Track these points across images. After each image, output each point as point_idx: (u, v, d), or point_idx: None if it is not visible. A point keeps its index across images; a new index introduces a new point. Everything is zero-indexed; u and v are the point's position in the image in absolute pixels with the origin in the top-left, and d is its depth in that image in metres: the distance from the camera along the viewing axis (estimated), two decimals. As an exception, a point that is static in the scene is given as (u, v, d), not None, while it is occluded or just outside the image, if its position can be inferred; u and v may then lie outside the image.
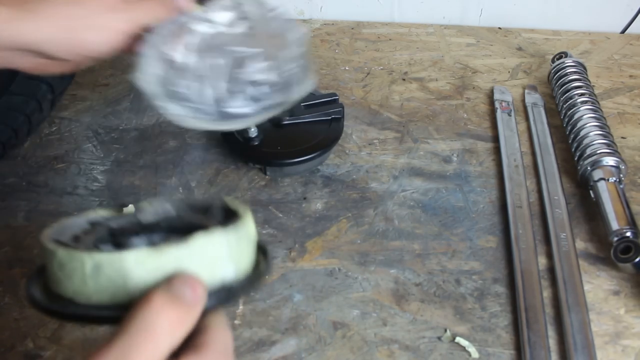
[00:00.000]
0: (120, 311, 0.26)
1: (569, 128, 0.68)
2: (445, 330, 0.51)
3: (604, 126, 0.66)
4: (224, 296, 0.29)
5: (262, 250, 0.33)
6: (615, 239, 0.55)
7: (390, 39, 0.88)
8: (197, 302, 0.27)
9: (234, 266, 0.30)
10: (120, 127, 0.72)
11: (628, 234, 0.54)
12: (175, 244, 0.28)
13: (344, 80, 0.80)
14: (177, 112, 0.43)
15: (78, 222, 0.35)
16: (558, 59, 0.76)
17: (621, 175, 0.61)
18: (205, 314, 0.28)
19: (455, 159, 0.68)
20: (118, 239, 0.33)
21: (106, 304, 0.28)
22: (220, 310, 0.30)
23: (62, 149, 0.69)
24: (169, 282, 0.27)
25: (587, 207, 0.62)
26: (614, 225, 0.55)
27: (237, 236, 0.30)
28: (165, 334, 0.25)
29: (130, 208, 0.35)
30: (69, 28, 0.41)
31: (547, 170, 0.65)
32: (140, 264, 0.27)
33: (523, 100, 0.76)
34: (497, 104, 0.74)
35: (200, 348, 0.27)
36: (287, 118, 0.65)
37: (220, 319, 0.30)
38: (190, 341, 0.28)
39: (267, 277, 0.32)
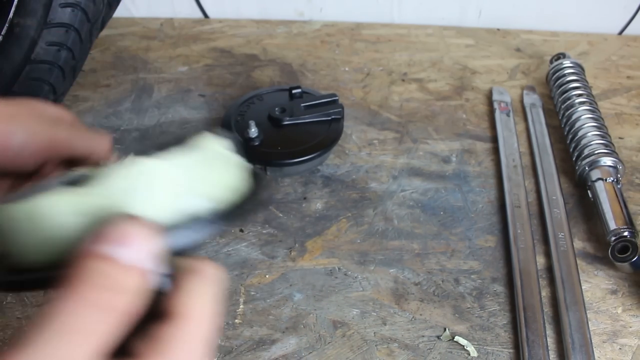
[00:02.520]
0: (53, 271, 0.20)
1: (567, 128, 0.68)
2: (445, 329, 0.51)
3: (601, 127, 0.66)
4: (197, 231, 0.23)
5: (252, 175, 0.28)
6: (613, 238, 0.55)
7: (389, 40, 0.89)
8: (142, 259, 0.20)
9: (201, 194, 0.24)
10: (122, 128, 0.72)
11: (625, 233, 0.55)
12: (115, 176, 0.22)
13: (343, 81, 0.80)
14: None
15: (50, 184, 0.26)
16: (556, 60, 0.77)
17: (619, 175, 0.61)
18: (180, 257, 0.22)
19: (454, 159, 0.68)
20: None
21: (40, 264, 0.22)
22: (197, 251, 0.24)
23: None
24: (94, 238, 0.19)
25: (585, 207, 0.62)
26: (612, 224, 0.56)
27: (196, 160, 0.25)
28: (88, 333, 0.18)
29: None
30: None
31: (546, 170, 0.65)
32: (62, 206, 0.21)
33: (521, 101, 0.76)
34: (495, 105, 0.75)
35: (172, 317, 0.21)
36: (287, 118, 0.66)
37: (202, 269, 0.22)
38: (161, 306, 0.21)
39: (257, 199, 0.26)
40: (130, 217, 0.20)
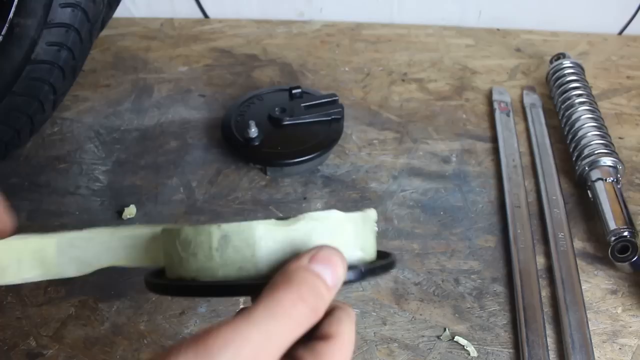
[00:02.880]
0: (253, 281, 0.25)
1: (567, 128, 0.69)
2: (445, 329, 0.51)
3: (601, 127, 0.66)
4: (356, 276, 0.27)
5: (382, 253, 0.33)
6: (613, 238, 0.55)
7: (389, 40, 0.89)
8: (336, 284, 0.25)
9: (361, 250, 0.29)
10: (122, 128, 0.72)
11: (625, 233, 0.55)
12: (308, 218, 0.27)
13: (343, 81, 0.80)
14: None
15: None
16: (556, 60, 0.77)
17: (618, 175, 0.61)
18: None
19: (454, 159, 0.68)
20: None
21: (232, 280, 0.27)
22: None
23: (64, 149, 0.69)
24: (311, 257, 0.25)
25: (585, 207, 0.62)
26: (612, 224, 0.56)
27: (364, 222, 0.30)
28: (297, 321, 0.23)
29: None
30: None
31: (546, 170, 0.65)
32: (269, 232, 0.26)
33: (521, 101, 0.76)
34: (495, 105, 0.75)
35: (330, 338, 0.25)
36: (288, 118, 0.66)
37: (346, 307, 0.28)
38: (319, 328, 0.26)
39: (392, 267, 0.31)
40: (331, 247, 0.26)
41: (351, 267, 0.27)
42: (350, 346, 0.26)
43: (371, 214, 0.31)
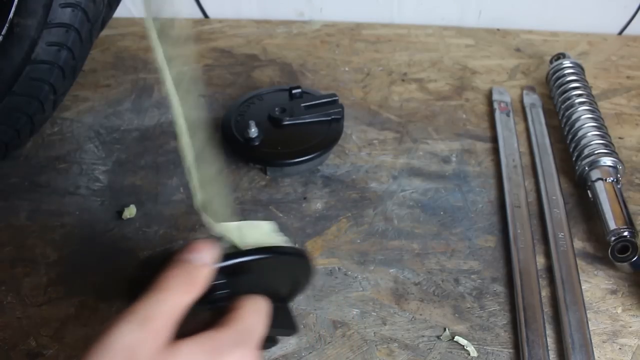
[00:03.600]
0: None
1: (567, 128, 0.69)
2: (445, 329, 0.51)
3: (601, 127, 0.66)
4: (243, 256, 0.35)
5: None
6: (613, 238, 0.55)
7: (389, 40, 0.89)
8: (205, 260, 0.32)
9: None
10: (122, 128, 0.72)
11: (625, 233, 0.55)
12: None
13: (343, 81, 0.80)
14: None
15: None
16: (556, 60, 0.77)
17: (618, 175, 0.61)
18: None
19: (454, 159, 0.68)
20: None
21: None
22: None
23: (64, 149, 0.69)
24: (184, 249, 0.33)
25: (585, 207, 0.62)
26: (612, 224, 0.56)
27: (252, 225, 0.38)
28: (174, 289, 0.30)
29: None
30: None
31: (546, 170, 0.66)
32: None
33: (521, 101, 0.76)
34: (495, 105, 0.75)
35: (221, 325, 0.32)
36: (288, 118, 0.66)
37: (253, 302, 0.34)
38: (218, 320, 0.32)
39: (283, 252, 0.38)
40: (204, 240, 0.33)
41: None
42: (241, 333, 0.32)
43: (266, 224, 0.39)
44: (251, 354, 0.32)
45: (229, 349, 0.31)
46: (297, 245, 0.39)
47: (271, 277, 0.39)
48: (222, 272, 0.34)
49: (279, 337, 0.43)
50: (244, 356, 0.31)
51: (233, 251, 0.35)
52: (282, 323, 0.40)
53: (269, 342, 0.41)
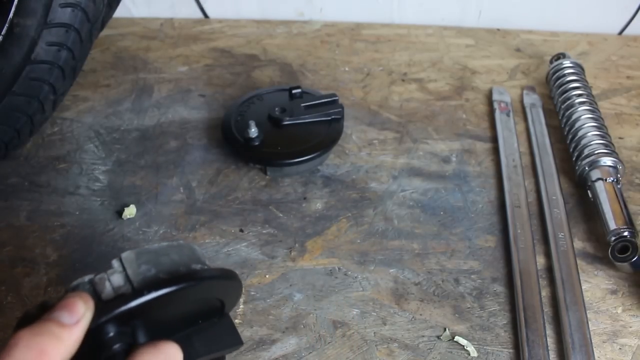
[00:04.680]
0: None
1: (567, 128, 0.69)
2: (445, 329, 0.51)
3: (601, 127, 0.66)
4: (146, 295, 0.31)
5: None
6: (613, 238, 0.55)
7: (389, 40, 0.89)
8: (78, 319, 0.28)
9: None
10: (122, 128, 0.72)
11: (625, 233, 0.55)
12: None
13: (343, 81, 0.80)
14: None
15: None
16: (556, 60, 0.77)
17: (619, 175, 0.61)
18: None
19: (454, 159, 0.68)
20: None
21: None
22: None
23: (64, 149, 0.69)
24: (52, 308, 0.28)
25: (585, 207, 0.62)
26: (612, 224, 0.56)
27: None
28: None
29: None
30: None
31: (546, 170, 0.65)
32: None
33: (521, 101, 0.76)
34: (495, 105, 0.75)
35: None
36: (288, 118, 0.66)
37: (151, 355, 0.29)
38: None
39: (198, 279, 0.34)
40: (74, 294, 0.29)
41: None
42: None
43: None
44: None
45: None
46: (206, 267, 0.36)
47: (180, 308, 0.34)
48: (110, 323, 0.30)
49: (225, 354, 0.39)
50: None
51: (118, 298, 0.31)
52: (220, 343, 0.36)
53: None
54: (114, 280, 0.32)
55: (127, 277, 0.32)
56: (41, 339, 0.26)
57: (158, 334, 0.32)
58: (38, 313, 0.29)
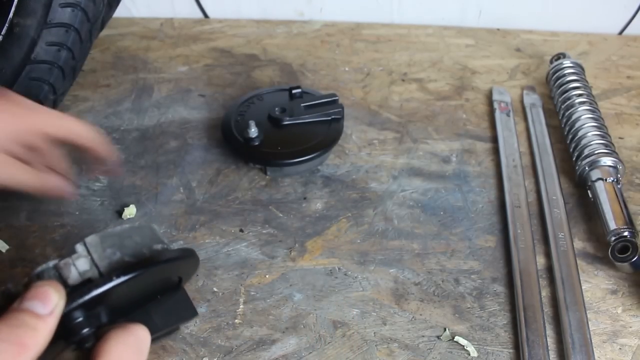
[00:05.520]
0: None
1: (567, 128, 0.68)
2: (445, 329, 0.51)
3: (601, 127, 0.66)
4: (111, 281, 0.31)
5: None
6: (613, 238, 0.55)
7: (389, 40, 0.89)
8: (52, 309, 0.28)
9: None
10: (122, 128, 0.72)
11: (625, 233, 0.55)
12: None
13: (343, 81, 0.80)
14: None
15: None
16: (556, 60, 0.77)
17: (619, 175, 0.61)
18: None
19: (454, 159, 0.68)
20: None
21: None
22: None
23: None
24: (21, 298, 0.28)
25: (585, 207, 0.62)
26: (612, 224, 0.56)
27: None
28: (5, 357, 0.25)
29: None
30: None
31: (546, 170, 0.65)
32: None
33: (522, 101, 0.76)
34: (495, 105, 0.75)
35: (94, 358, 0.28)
36: (288, 118, 0.66)
37: (118, 339, 0.29)
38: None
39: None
40: (44, 282, 0.29)
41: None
42: (119, 354, 0.28)
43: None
44: None
45: None
46: (167, 246, 0.37)
47: (142, 287, 0.35)
48: (79, 309, 0.30)
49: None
50: None
51: (83, 284, 0.31)
52: (177, 315, 0.38)
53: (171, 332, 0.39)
54: (80, 265, 0.32)
55: (92, 262, 0.32)
56: (19, 332, 0.26)
57: (119, 312, 0.33)
58: (3, 303, 0.29)
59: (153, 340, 0.33)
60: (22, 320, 0.26)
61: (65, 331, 0.30)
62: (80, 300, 0.29)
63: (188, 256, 0.37)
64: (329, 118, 0.67)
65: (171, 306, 0.37)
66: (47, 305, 0.27)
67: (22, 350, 0.25)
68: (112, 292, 0.31)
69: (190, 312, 0.39)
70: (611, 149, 0.63)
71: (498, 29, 0.91)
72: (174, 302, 0.38)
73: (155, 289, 0.37)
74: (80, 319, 0.30)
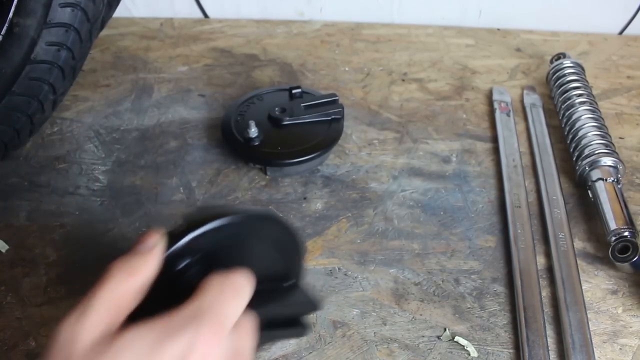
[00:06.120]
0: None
1: (567, 128, 0.68)
2: (445, 330, 0.51)
3: (602, 126, 0.66)
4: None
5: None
6: (613, 238, 0.55)
7: (389, 40, 0.89)
8: (152, 246, 0.32)
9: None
10: (122, 128, 0.72)
11: (626, 233, 0.55)
12: None
13: (343, 81, 0.80)
14: None
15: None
16: (556, 60, 0.77)
17: (619, 175, 0.61)
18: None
19: (454, 159, 0.68)
20: None
21: None
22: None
23: (64, 149, 0.69)
24: (134, 243, 0.33)
25: (586, 207, 0.62)
26: (612, 224, 0.56)
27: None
28: (112, 278, 0.30)
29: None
30: None
31: (546, 170, 0.65)
32: None
33: (522, 101, 0.76)
34: (496, 105, 0.75)
35: (175, 310, 0.30)
36: (288, 118, 0.66)
37: (219, 276, 0.32)
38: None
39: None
40: (151, 230, 0.34)
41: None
42: (190, 316, 0.30)
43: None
44: (209, 332, 0.29)
45: (178, 331, 0.28)
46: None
47: (249, 250, 0.36)
48: (186, 252, 0.33)
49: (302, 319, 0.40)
50: (197, 335, 0.28)
51: (187, 227, 0.34)
52: (296, 306, 0.37)
53: (298, 327, 0.39)
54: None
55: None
56: (129, 261, 0.31)
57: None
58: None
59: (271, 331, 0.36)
60: (131, 256, 0.32)
61: (172, 276, 0.33)
62: (182, 241, 0.33)
63: (287, 228, 0.38)
64: (329, 118, 0.67)
65: (291, 295, 0.37)
66: (148, 244, 0.32)
67: (132, 274, 0.31)
68: (213, 238, 0.33)
69: (311, 306, 0.39)
70: (611, 149, 0.63)
71: (498, 29, 0.91)
72: (292, 293, 0.38)
73: (270, 272, 0.37)
74: (184, 265, 0.33)
